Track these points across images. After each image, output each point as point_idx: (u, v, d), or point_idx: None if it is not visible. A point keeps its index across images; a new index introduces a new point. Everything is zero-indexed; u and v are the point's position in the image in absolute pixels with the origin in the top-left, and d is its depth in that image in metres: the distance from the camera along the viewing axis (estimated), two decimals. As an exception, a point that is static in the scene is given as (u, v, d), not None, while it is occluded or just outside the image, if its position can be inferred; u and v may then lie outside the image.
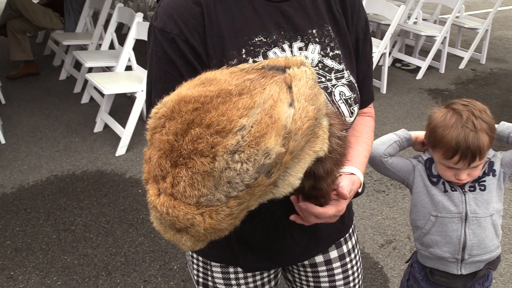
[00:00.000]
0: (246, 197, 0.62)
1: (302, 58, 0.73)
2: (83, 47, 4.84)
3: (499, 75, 5.38)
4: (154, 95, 0.95)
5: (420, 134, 1.54)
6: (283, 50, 0.95)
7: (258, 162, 0.60)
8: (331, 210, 0.87)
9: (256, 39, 0.94)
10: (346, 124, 0.83)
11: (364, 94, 1.11)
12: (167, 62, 0.92)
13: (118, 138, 3.59)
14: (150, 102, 0.97)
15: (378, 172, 1.55)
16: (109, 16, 4.42)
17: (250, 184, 0.61)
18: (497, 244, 1.50)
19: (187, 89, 0.66)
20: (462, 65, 5.56)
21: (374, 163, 1.51)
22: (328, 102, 0.96)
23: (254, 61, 0.92)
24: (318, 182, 0.80)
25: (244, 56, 0.92)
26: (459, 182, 1.42)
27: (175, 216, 0.62)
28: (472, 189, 1.45)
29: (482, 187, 1.45)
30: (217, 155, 0.60)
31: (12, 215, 2.80)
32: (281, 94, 0.63)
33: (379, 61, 4.59)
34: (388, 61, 4.84)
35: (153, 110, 0.67)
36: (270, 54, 0.94)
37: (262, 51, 0.94)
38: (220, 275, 1.15)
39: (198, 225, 0.62)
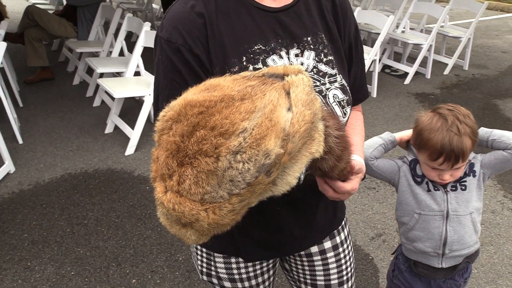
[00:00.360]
0: (247, 194, 0.62)
1: (300, 67, 0.73)
2: (95, 54, 4.84)
3: (481, 80, 5.38)
4: (161, 100, 0.95)
5: (404, 134, 1.53)
6: (281, 57, 0.95)
7: (259, 162, 0.60)
8: (348, 186, 0.91)
9: (256, 47, 0.94)
10: (341, 124, 0.84)
11: (359, 93, 1.12)
12: (173, 70, 0.92)
13: (127, 139, 3.58)
14: (158, 107, 0.97)
15: (366, 173, 1.54)
16: (119, 25, 4.42)
17: (251, 182, 0.61)
18: (475, 240, 1.50)
19: (193, 94, 0.66)
20: (446, 71, 5.56)
21: None
22: (324, 105, 0.96)
23: (254, 68, 0.93)
24: (326, 175, 0.83)
25: (244, 63, 0.92)
26: (442, 182, 1.42)
27: (181, 212, 0.62)
28: (453, 188, 1.44)
29: (463, 187, 1.45)
30: (220, 155, 0.60)
31: (29, 210, 2.80)
32: (280, 99, 0.64)
33: (369, 67, 4.59)
34: (378, 67, 4.83)
35: (161, 113, 0.67)
36: (269, 61, 0.94)
37: (262, 58, 0.94)
38: (222, 265, 1.15)
39: (202, 220, 0.63)
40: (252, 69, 0.93)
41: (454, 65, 5.62)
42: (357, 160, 0.95)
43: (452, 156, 1.32)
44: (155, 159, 0.66)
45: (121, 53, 4.37)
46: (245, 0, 0.95)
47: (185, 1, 0.94)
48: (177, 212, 0.63)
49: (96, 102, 4.40)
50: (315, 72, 0.98)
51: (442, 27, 5.61)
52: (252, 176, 0.61)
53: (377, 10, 6.18)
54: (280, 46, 0.96)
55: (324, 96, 0.97)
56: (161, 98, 0.95)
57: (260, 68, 0.93)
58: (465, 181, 1.45)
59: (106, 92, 3.91)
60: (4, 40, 3.71)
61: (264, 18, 0.95)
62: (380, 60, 5.31)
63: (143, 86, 3.61)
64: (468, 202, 1.45)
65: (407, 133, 1.52)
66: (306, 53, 0.98)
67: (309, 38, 0.98)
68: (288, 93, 0.66)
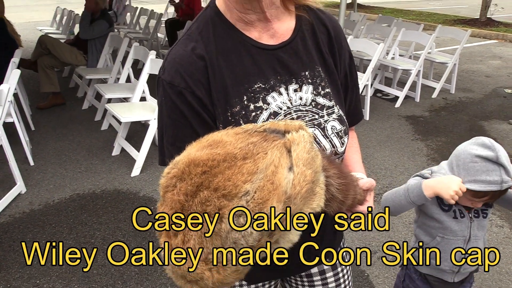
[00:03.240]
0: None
1: (300, 122, 0.71)
2: (103, 81, 4.87)
3: (467, 103, 5.40)
4: (166, 140, 0.93)
5: (440, 190, 1.37)
6: (280, 93, 0.94)
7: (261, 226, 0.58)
8: (366, 207, 0.94)
9: (256, 86, 0.92)
10: (342, 171, 0.83)
11: (355, 115, 1.11)
12: (176, 111, 0.90)
13: (133, 161, 3.57)
14: (162, 145, 0.95)
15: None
16: (126, 53, 4.45)
17: (254, 245, 0.59)
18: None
19: (196, 150, 0.64)
20: (434, 95, 5.59)
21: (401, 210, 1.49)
22: (330, 153, 0.96)
23: (255, 106, 0.91)
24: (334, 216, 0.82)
25: (245, 102, 0.91)
26: (474, 207, 1.42)
27: (186, 270, 0.61)
28: (476, 215, 1.45)
29: (485, 215, 1.46)
30: (223, 217, 0.58)
31: (39, 229, 2.77)
32: (282, 159, 0.62)
33: (362, 91, 4.61)
34: (370, 92, 4.86)
35: (166, 170, 0.66)
36: (269, 98, 0.92)
37: (262, 96, 0.92)
38: None
39: (206, 279, 0.61)
40: (253, 107, 0.91)
41: (441, 89, 5.66)
42: (364, 178, 0.95)
43: (497, 194, 1.32)
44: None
45: (128, 80, 4.40)
46: (244, 39, 0.93)
47: (186, 43, 0.92)
48: (182, 270, 0.61)
49: (104, 126, 4.40)
50: (313, 105, 0.96)
51: (429, 54, 5.66)
52: (254, 239, 0.59)
53: (368, 38, 6.26)
54: (279, 83, 0.94)
55: (323, 129, 0.95)
56: (166, 137, 0.93)
57: (260, 106, 0.92)
58: (487, 210, 1.46)
59: (114, 117, 3.92)
60: (18, 67, 3.74)
61: (263, 56, 0.93)
62: (372, 85, 5.34)
63: (148, 111, 3.62)
64: (485, 226, 1.48)
65: (440, 187, 1.36)
66: (304, 87, 0.96)
67: (306, 73, 0.97)
68: (289, 151, 0.64)
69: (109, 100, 4.25)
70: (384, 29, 5.90)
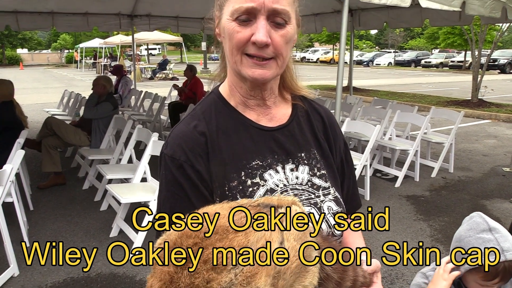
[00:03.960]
0: None
1: (294, 198, 0.72)
2: (105, 161, 4.93)
3: (467, 182, 5.42)
4: (162, 212, 0.95)
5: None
6: (277, 171, 0.97)
7: None
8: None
9: (254, 163, 0.96)
10: (337, 245, 0.82)
11: (353, 202, 1.13)
12: (175, 184, 0.93)
13: (131, 243, 3.50)
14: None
15: None
16: (130, 134, 4.56)
17: None
18: None
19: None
20: (433, 174, 5.63)
21: None
22: (327, 233, 0.96)
23: (252, 182, 0.94)
24: None
25: (243, 178, 0.94)
26: None
27: None
28: None
29: None
30: None
31: (28, 317, 2.64)
32: (273, 233, 0.62)
33: (361, 172, 4.65)
34: (369, 172, 4.89)
35: (158, 241, 0.66)
36: (266, 175, 0.96)
37: (259, 173, 0.95)
38: None
39: None
40: (250, 183, 0.94)
41: (440, 168, 5.71)
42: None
43: (507, 276, 1.29)
44: (149, 287, 0.64)
45: (130, 160, 4.45)
46: (244, 120, 0.99)
47: (189, 121, 0.99)
48: None
49: (103, 207, 4.37)
50: (309, 185, 0.99)
51: (425, 134, 5.79)
52: None
53: (365, 120, 6.45)
54: (276, 162, 0.98)
55: (319, 208, 0.97)
56: (162, 210, 0.95)
57: (257, 182, 0.94)
58: None
59: (113, 197, 3.91)
60: (23, 147, 3.82)
61: (261, 136, 0.99)
62: (371, 165, 5.41)
63: (149, 192, 3.62)
64: None
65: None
66: (300, 167, 1.00)
67: (302, 154, 1.01)
68: None
69: (110, 181, 4.27)
70: (380, 111, 6.11)
